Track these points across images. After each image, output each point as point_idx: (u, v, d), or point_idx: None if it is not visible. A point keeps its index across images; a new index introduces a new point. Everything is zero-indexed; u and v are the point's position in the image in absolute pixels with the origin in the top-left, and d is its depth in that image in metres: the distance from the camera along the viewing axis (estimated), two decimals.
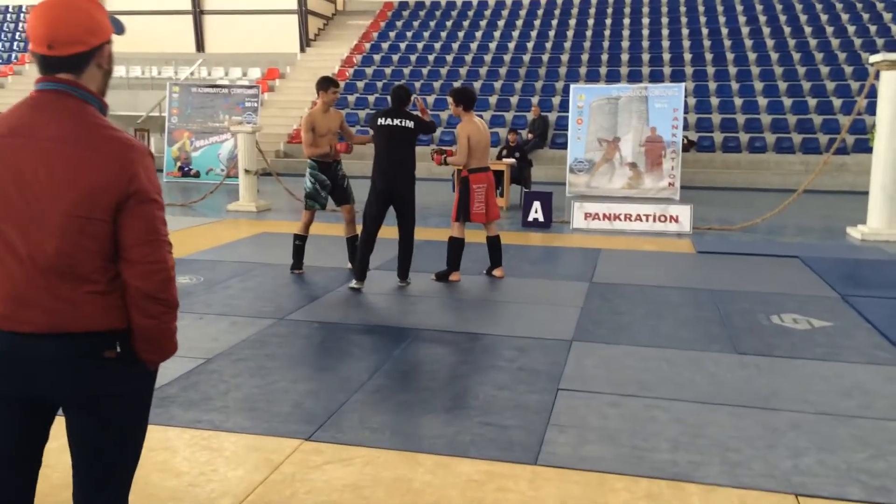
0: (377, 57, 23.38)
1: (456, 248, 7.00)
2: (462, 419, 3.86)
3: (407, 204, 6.65)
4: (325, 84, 6.99)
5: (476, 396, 4.17)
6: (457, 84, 21.25)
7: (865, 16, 22.22)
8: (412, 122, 6.56)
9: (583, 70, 21.20)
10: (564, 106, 18.18)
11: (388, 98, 7.17)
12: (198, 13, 24.50)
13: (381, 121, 6.59)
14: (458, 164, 6.92)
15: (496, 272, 7.18)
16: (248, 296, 6.34)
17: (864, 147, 14.09)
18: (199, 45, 24.68)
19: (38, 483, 2.07)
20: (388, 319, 5.73)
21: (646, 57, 21.45)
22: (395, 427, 3.75)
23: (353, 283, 6.56)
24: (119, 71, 23.04)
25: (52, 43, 1.83)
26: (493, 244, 7.19)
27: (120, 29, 2.08)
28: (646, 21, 23.43)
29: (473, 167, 6.89)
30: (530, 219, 10.55)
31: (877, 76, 9.95)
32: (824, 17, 22.45)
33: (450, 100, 6.98)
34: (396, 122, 6.54)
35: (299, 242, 7.25)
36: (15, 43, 27.26)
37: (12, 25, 28.25)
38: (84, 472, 1.99)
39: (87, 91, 1.88)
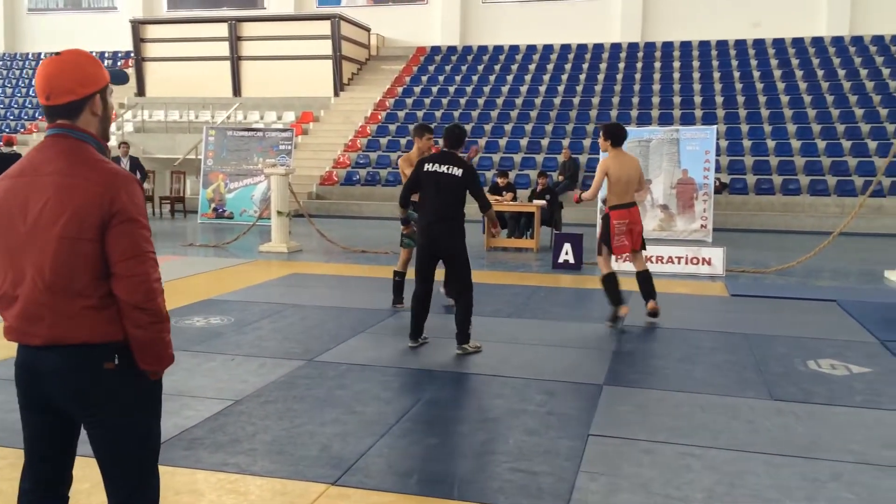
0: (409, 101, 23.70)
1: (609, 284, 6.89)
2: (491, 465, 3.79)
3: (456, 262, 5.88)
4: (421, 131, 7.31)
5: (506, 441, 4.10)
6: (487, 127, 21.43)
7: None
8: (461, 171, 5.80)
9: (614, 113, 21.26)
10: (595, 148, 18.21)
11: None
12: (235, 59, 25.12)
13: (427, 167, 5.88)
14: (589, 199, 6.96)
15: (649, 306, 6.96)
16: (277, 337, 6.36)
17: None
18: (236, 90, 25.25)
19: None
20: (417, 362, 5.69)
21: (677, 100, 21.46)
22: (423, 472, 3.70)
23: (409, 343, 6.10)
24: (158, 115, 23.63)
25: (49, 94, 2.13)
26: (642, 278, 7.03)
27: (122, 80, 2.43)
28: (676, 64, 23.49)
29: (614, 203, 6.85)
30: (560, 261, 10.50)
31: None
32: (858, 60, 22.32)
33: (600, 134, 7.03)
34: (444, 168, 5.81)
35: (399, 279, 7.52)
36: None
37: None
38: (108, 480, 2.20)
39: (83, 132, 2.16)
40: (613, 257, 7.09)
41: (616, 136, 6.85)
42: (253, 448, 3.96)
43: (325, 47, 24.53)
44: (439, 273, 6.08)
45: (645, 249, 7.18)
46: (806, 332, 6.74)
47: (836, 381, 5.26)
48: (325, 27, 24.50)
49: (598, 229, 7.07)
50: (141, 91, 25.73)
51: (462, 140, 5.97)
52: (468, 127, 21.63)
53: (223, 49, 24.96)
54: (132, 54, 26.53)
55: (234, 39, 25.13)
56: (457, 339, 5.92)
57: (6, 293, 2.13)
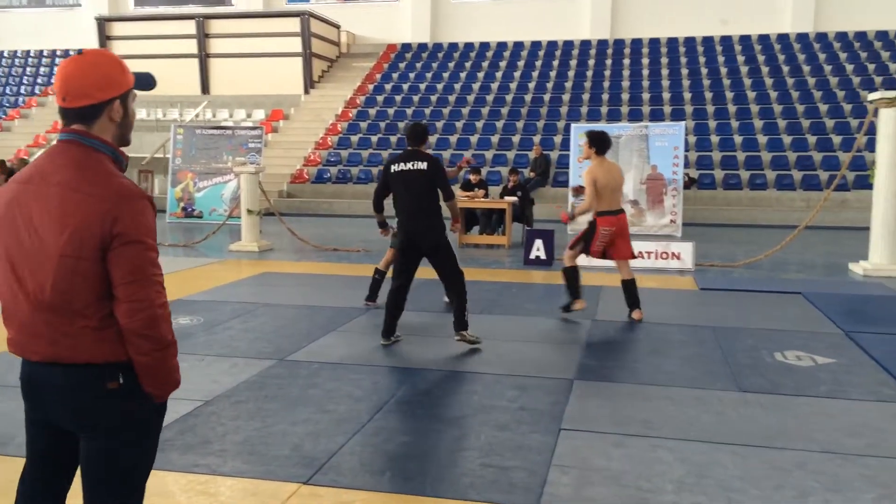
0: (380, 98, 23.64)
1: (570, 275, 6.93)
2: (463, 461, 3.81)
3: (439, 254, 5.91)
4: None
5: (478, 437, 4.12)
6: (458, 124, 21.45)
7: (863, 54, 22.46)
8: (426, 164, 5.89)
9: (584, 109, 21.40)
10: (566, 144, 18.32)
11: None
12: (203, 56, 24.86)
13: (394, 168, 5.97)
14: (586, 211, 6.85)
15: (634, 314, 6.96)
16: (248, 336, 6.32)
17: (865, 183, 14.12)
18: (205, 88, 24.99)
19: None
20: (389, 359, 5.69)
21: (646, 96, 21.66)
22: (396, 469, 3.70)
23: (381, 341, 6.08)
24: None
25: (66, 96, 2.01)
26: (628, 287, 7.00)
27: (148, 85, 2.22)
28: (645, 61, 23.70)
29: (602, 210, 6.82)
30: (532, 257, 10.55)
31: (875, 113, 10.02)
32: (822, 56, 22.69)
33: (583, 141, 6.97)
34: (409, 165, 5.90)
35: (378, 276, 7.57)
36: (22, 87, 27.63)
37: (20, 70, 28.68)
38: (88, 494, 2.10)
39: (97, 139, 2.03)
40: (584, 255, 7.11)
41: (601, 144, 6.82)
42: (224, 449, 3.93)
43: (295, 45, 24.38)
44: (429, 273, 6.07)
45: (634, 258, 7.16)
46: (773, 324, 6.85)
47: (802, 372, 5.36)
48: (294, 24, 24.34)
49: (582, 231, 7.04)
50: None
51: (424, 136, 6.03)
52: (439, 125, 21.64)
53: (191, 46, 24.70)
54: None
55: (202, 37, 24.88)
56: (454, 326, 5.93)
57: (6, 306, 2.05)
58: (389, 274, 6.71)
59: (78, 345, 1.97)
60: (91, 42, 26.93)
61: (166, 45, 24.60)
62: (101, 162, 2.01)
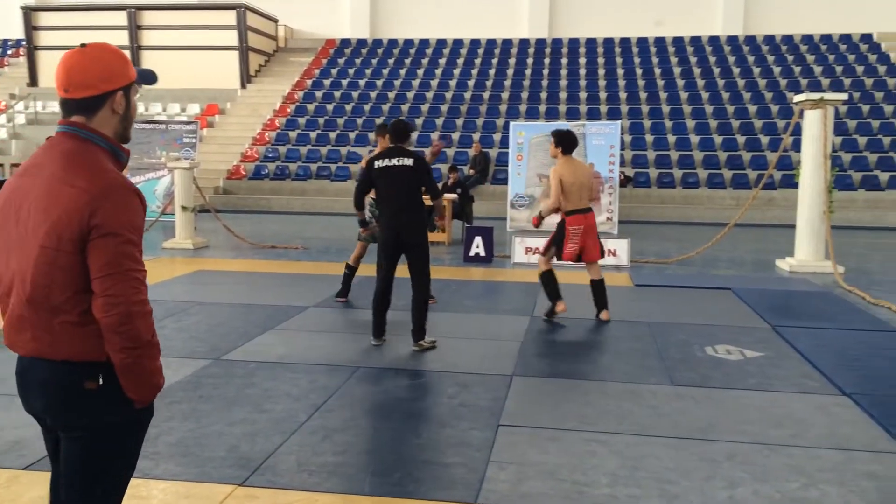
0: (319, 94, 23.41)
1: (547, 280, 6.87)
2: (403, 458, 3.80)
3: (417, 254, 5.84)
4: (383, 130, 7.31)
5: (418, 435, 4.12)
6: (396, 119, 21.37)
7: (790, 57, 23.27)
8: (411, 160, 5.82)
9: (523, 108, 21.60)
10: (505, 142, 18.47)
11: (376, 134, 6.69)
12: (136, 48, 24.18)
13: (378, 163, 5.84)
14: (551, 209, 6.79)
15: (602, 315, 6.95)
16: (182, 336, 6.18)
17: (791, 182, 14.63)
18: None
19: None
20: (329, 357, 5.64)
21: (583, 95, 21.99)
22: (334, 469, 3.68)
23: (372, 341, 6.02)
24: (52, 106, 22.52)
25: (68, 87, 2.01)
26: (596, 287, 6.99)
27: (149, 80, 2.26)
28: (583, 61, 24.07)
29: (570, 209, 6.77)
30: (472, 254, 10.60)
31: (801, 115, 10.39)
32: (751, 59, 23.42)
33: (552, 141, 6.88)
34: (394, 161, 5.80)
35: (348, 272, 7.57)
36: None
37: None
38: (64, 491, 2.06)
39: (94, 132, 2.02)
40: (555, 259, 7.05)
41: (567, 143, 6.78)
42: (156, 451, 3.84)
43: (231, 38, 23.94)
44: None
45: (603, 257, 7.18)
46: (704, 319, 7.04)
47: (732, 366, 5.52)
48: (230, 17, 23.90)
49: (552, 234, 7.01)
50: (33, 81, 24.50)
51: (407, 133, 5.99)
52: (379, 121, 21.54)
53: (122, 38, 23.99)
54: (24, 42, 25.20)
55: (134, 28, 24.20)
56: (413, 336, 5.84)
57: (4, 299, 2.05)
58: (362, 271, 6.61)
59: (57, 341, 1.94)
60: (16, 32, 25.96)
61: (96, 37, 23.75)
62: (95, 154, 1.99)
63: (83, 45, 2.05)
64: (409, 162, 5.80)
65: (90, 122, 2.02)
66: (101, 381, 1.96)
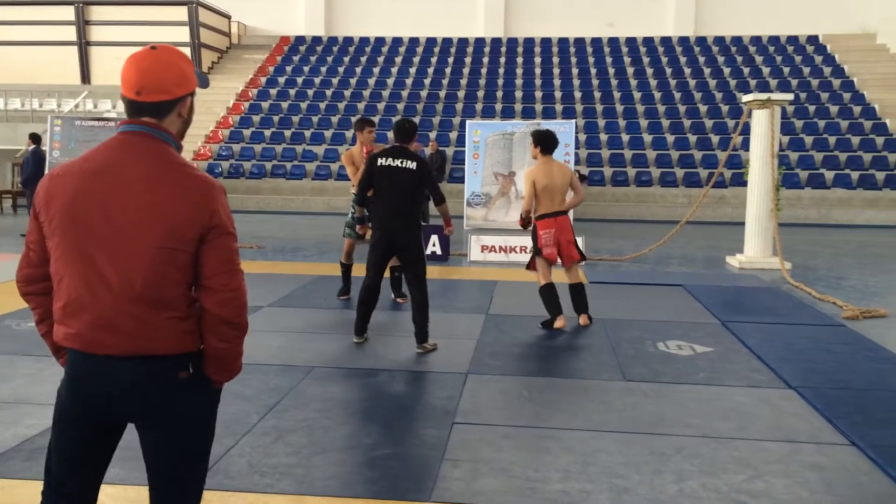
0: (273, 91, 23.17)
1: (547, 294, 6.60)
2: (356, 458, 3.78)
3: (410, 257, 5.79)
4: (361, 125, 7.45)
5: (371, 434, 4.11)
6: (354, 119, 21.28)
7: (739, 58, 23.76)
8: (415, 164, 5.71)
9: (479, 106, 21.68)
10: (462, 141, 18.51)
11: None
12: (84, 44, 23.63)
13: (380, 161, 5.73)
14: (526, 211, 6.58)
15: (581, 320, 6.71)
16: None
17: (741, 181, 14.96)
18: (85, 77, 23.77)
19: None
20: (282, 357, 5.59)
21: (538, 94, 22.15)
22: (286, 470, 3.64)
23: (354, 339, 5.97)
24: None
25: (141, 90, 2.03)
26: (575, 291, 6.73)
27: (205, 83, 2.29)
28: (538, 60, 24.24)
29: (541, 213, 6.54)
30: (428, 252, 10.59)
31: (749, 114, 10.62)
32: (702, 59, 23.85)
33: (531, 141, 6.73)
34: (397, 162, 5.69)
35: (344, 269, 7.70)
36: None
37: None
38: (158, 488, 2.16)
39: (167, 133, 2.07)
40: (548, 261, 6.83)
41: (546, 143, 6.57)
42: None
43: (183, 34, 23.54)
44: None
45: (585, 260, 7.03)
46: (656, 315, 7.15)
47: (682, 361, 5.62)
48: (181, 13, 23.52)
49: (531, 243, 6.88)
50: None
51: (412, 133, 5.88)
52: (335, 119, 21.41)
53: (70, 33, 23.44)
54: None
55: (82, 23, 23.66)
56: (416, 338, 5.78)
57: (76, 298, 2.00)
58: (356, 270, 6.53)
59: (159, 336, 2.00)
60: None
61: (42, 32, 23.24)
62: (176, 155, 2.07)
63: (153, 48, 2.07)
64: (412, 165, 5.70)
65: (161, 123, 2.07)
66: (191, 370, 2.07)
